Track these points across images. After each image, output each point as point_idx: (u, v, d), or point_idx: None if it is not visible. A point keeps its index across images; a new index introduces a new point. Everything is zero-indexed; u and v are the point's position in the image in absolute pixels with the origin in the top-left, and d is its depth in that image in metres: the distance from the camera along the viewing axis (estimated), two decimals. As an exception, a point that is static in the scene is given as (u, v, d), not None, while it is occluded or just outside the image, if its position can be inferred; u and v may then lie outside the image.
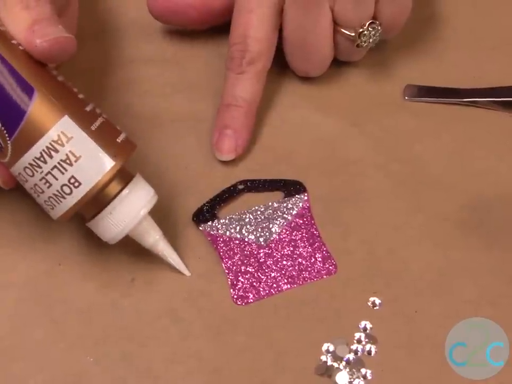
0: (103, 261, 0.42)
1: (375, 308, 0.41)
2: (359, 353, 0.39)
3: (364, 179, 0.45)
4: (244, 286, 0.41)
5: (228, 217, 0.44)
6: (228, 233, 0.43)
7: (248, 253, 0.42)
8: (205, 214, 0.44)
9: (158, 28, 0.52)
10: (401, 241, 0.43)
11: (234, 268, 0.42)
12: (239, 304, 0.41)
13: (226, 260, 0.42)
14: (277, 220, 0.44)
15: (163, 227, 0.41)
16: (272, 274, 0.42)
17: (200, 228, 0.43)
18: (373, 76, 0.50)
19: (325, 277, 0.42)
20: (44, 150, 0.37)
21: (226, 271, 0.42)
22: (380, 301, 0.41)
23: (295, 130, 0.47)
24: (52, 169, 0.37)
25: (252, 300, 0.41)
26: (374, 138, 0.47)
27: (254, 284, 0.41)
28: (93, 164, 0.37)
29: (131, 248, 0.42)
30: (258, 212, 0.44)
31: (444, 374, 0.38)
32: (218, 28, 0.50)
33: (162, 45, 0.52)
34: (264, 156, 0.47)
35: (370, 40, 0.46)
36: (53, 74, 0.39)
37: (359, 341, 0.40)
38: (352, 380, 0.38)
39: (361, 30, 0.45)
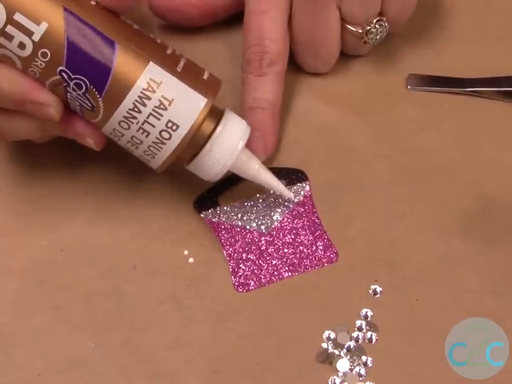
0: (105, 248, 0.42)
1: (376, 296, 0.41)
2: (360, 340, 0.39)
3: (366, 168, 0.45)
4: (245, 273, 0.41)
5: (229, 205, 0.44)
6: (229, 220, 0.43)
7: (249, 240, 0.42)
8: (207, 201, 0.44)
9: (159, 25, 0.51)
10: (403, 230, 0.43)
11: (236, 255, 0.42)
12: (240, 292, 0.41)
13: (228, 247, 0.42)
14: (278, 207, 0.43)
15: (165, 214, 0.41)
16: (274, 262, 0.42)
17: (202, 215, 0.43)
18: (376, 65, 0.50)
19: (326, 265, 0.42)
20: (136, 100, 0.37)
21: (228, 258, 0.42)
22: (381, 289, 0.41)
23: (298, 119, 0.47)
24: (147, 117, 0.37)
25: (253, 287, 0.41)
26: (377, 128, 0.47)
27: (255, 271, 0.41)
28: (187, 104, 0.38)
29: (132, 234, 0.42)
30: (260, 200, 0.44)
31: (444, 362, 0.39)
32: (218, 25, 0.50)
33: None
34: (267, 144, 0.46)
35: (377, 37, 0.46)
36: (129, 23, 0.39)
37: (360, 329, 0.40)
38: (352, 367, 0.38)
39: (368, 27, 0.45)
